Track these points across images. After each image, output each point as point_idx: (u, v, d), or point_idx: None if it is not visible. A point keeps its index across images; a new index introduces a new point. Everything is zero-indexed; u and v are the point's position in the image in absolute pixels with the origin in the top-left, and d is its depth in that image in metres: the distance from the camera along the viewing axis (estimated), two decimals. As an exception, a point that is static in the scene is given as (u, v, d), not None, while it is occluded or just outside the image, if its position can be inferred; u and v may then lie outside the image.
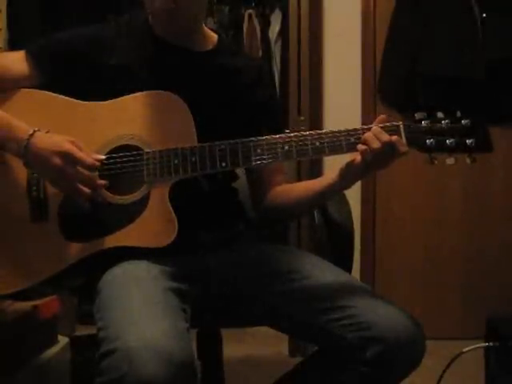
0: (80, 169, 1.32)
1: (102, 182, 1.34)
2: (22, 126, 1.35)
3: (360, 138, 1.30)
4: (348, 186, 1.39)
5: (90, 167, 1.33)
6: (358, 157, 1.30)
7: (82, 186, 1.32)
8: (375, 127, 1.30)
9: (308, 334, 1.40)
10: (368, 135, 1.29)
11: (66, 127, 1.40)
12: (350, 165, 1.33)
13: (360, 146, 1.29)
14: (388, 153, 1.28)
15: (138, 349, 1.07)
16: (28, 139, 1.32)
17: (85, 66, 1.43)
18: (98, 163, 1.34)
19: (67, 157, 1.31)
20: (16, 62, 1.45)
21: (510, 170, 2.92)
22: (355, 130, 1.32)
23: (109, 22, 1.50)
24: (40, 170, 1.35)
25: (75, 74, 1.44)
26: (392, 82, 2.85)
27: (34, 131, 1.33)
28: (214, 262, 1.42)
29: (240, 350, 2.72)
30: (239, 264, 1.43)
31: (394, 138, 1.28)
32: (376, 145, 1.28)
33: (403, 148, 1.29)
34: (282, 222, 1.96)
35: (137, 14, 1.51)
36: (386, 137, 1.28)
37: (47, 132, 1.35)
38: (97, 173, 1.35)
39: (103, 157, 1.36)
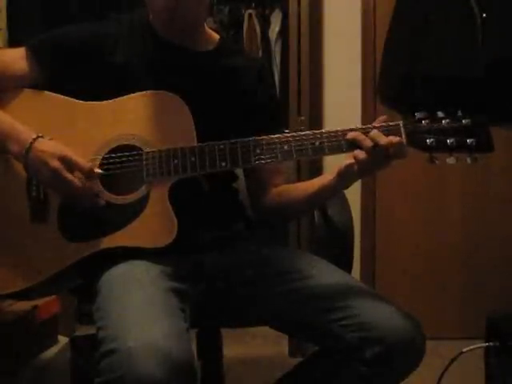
0: (77, 174, 1.32)
1: (98, 187, 1.34)
2: (26, 130, 1.36)
3: None
4: (347, 186, 1.39)
5: (87, 174, 1.33)
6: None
7: (78, 192, 1.32)
8: (374, 131, 1.29)
9: (308, 334, 1.40)
10: (355, 134, 1.29)
11: (66, 127, 1.40)
12: (348, 165, 1.33)
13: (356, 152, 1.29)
14: (386, 153, 1.28)
15: (137, 349, 1.07)
16: (31, 142, 1.33)
17: (85, 63, 1.43)
18: (96, 171, 1.35)
19: (65, 161, 1.32)
20: (16, 58, 1.45)
21: (510, 170, 2.91)
22: (355, 129, 1.31)
23: (110, 20, 1.50)
24: (38, 173, 1.35)
25: (75, 71, 1.43)
26: (392, 81, 2.84)
27: (38, 136, 1.34)
28: (214, 262, 1.42)
29: (240, 350, 2.71)
30: (239, 264, 1.43)
31: (394, 138, 1.28)
32: (367, 143, 1.28)
33: (403, 149, 1.29)
34: (281, 223, 1.95)
35: (138, 13, 1.51)
36: (384, 139, 1.28)
37: (50, 139, 1.35)
38: (98, 180, 1.36)
39: (101, 171, 1.36)
